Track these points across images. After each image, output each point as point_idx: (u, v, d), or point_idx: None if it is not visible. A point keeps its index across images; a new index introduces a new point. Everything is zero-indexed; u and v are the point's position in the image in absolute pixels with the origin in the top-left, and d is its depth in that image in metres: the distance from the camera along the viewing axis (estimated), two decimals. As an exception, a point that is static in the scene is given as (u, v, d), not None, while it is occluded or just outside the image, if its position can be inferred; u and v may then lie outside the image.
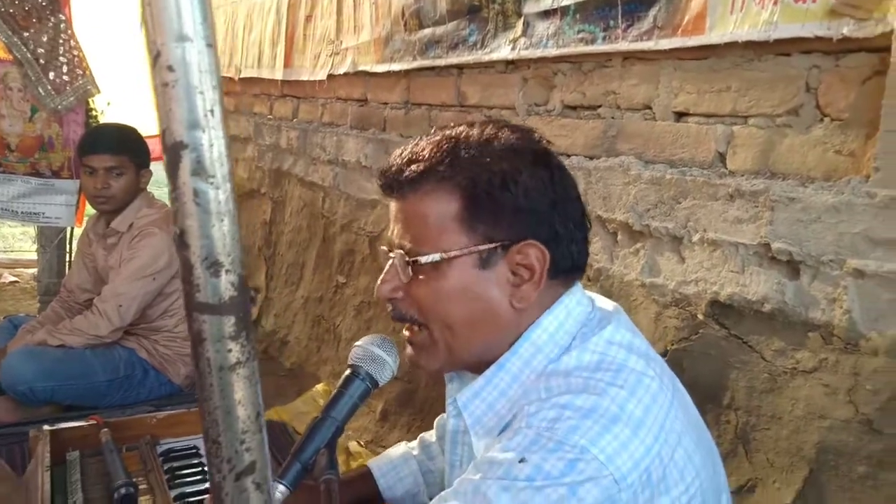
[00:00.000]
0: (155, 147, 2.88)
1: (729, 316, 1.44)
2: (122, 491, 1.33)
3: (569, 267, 0.94)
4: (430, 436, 1.31)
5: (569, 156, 1.83)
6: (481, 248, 0.90)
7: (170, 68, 0.33)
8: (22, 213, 3.49)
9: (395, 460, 1.29)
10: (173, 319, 2.71)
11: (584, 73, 1.84)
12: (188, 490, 1.46)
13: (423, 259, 0.91)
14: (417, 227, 0.92)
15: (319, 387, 2.71)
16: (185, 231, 0.35)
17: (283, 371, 3.20)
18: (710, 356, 1.45)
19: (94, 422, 1.55)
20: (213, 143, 0.35)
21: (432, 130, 0.97)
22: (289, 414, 2.53)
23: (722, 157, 1.47)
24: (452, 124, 0.98)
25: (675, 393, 0.90)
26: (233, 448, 0.37)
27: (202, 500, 1.42)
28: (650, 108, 1.64)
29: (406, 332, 0.98)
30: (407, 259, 0.92)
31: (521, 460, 0.80)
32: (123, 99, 4.92)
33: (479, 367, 0.95)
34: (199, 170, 0.35)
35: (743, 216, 1.39)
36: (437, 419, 1.33)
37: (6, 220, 3.85)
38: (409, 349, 0.98)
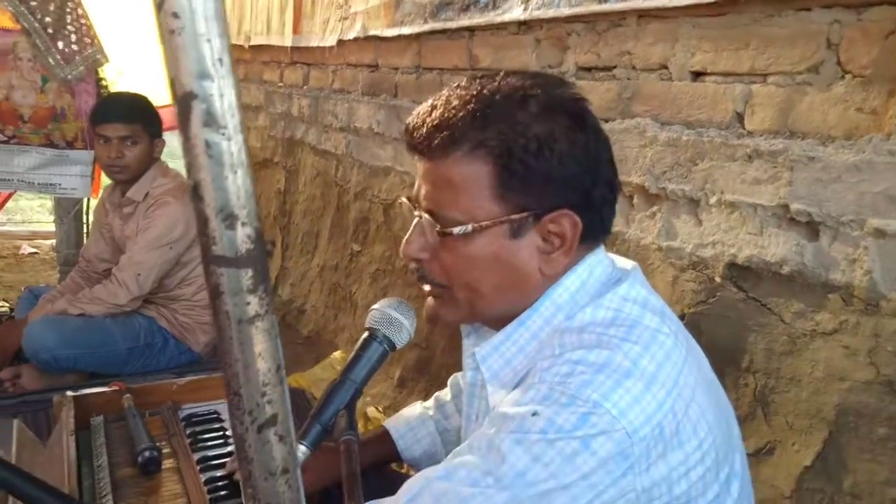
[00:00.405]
0: (167, 117, 2.88)
1: (747, 278, 1.43)
2: (147, 454, 1.35)
3: (598, 230, 0.93)
4: (445, 394, 1.32)
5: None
6: (514, 217, 0.88)
7: (174, 15, 0.32)
8: (38, 184, 3.50)
9: (412, 421, 1.30)
10: (191, 288, 2.74)
11: (599, 33, 1.81)
12: (210, 454, 1.47)
13: (456, 230, 0.89)
14: (447, 193, 0.90)
15: (337, 354, 2.73)
16: (198, 184, 0.35)
17: (300, 339, 3.22)
18: (729, 319, 1.44)
19: (117, 388, 1.57)
20: (223, 93, 0.34)
21: (462, 83, 0.92)
22: (307, 380, 2.55)
23: (740, 117, 1.45)
24: (482, 76, 0.93)
25: (689, 350, 0.90)
26: (254, 401, 0.37)
27: (224, 464, 1.44)
28: (666, 67, 1.62)
29: (426, 287, 0.98)
30: (438, 229, 0.91)
31: (534, 414, 0.80)
32: (134, 69, 4.92)
33: (499, 323, 0.95)
34: (210, 121, 0.34)
35: (761, 177, 1.37)
36: (450, 378, 1.34)
37: (23, 191, 3.87)
38: (429, 300, 0.98)
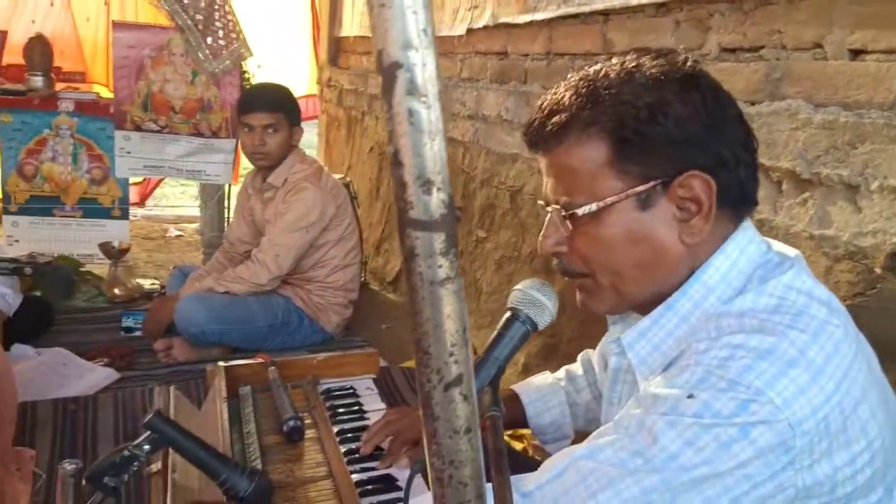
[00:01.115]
0: (303, 107, 3.01)
1: (910, 270, 1.33)
2: (291, 423, 1.42)
3: (738, 195, 0.89)
4: (577, 369, 1.31)
5: (727, 101, 1.73)
6: (638, 189, 0.87)
7: (386, -11, 0.34)
8: (186, 171, 3.76)
9: (542, 389, 1.29)
10: (325, 270, 2.86)
11: (745, 12, 1.72)
12: (346, 427, 1.54)
13: (580, 211, 0.89)
14: (569, 180, 0.90)
15: (462, 338, 2.76)
16: (398, 150, 0.37)
17: (424, 323, 3.29)
18: (890, 311, 1.34)
19: (263, 360, 1.67)
20: (425, 62, 0.36)
21: (569, 76, 0.93)
22: (432, 363, 2.60)
23: (906, 97, 1.34)
24: (589, 65, 0.93)
25: (859, 345, 0.84)
26: (442, 360, 0.38)
27: (360, 436, 1.50)
28: (821, 46, 1.52)
29: (572, 280, 0.97)
30: (563, 213, 0.91)
31: (689, 396, 0.78)
32: (271, 62, 5.16)
33: (648, 307, 0.93)
34: (413, 89, 0.36)
35: (930, 161, 1.27)
36: (580, 354, 1.33)
37: (173, 177, 4.16)
38: (578, 294, 0.98)
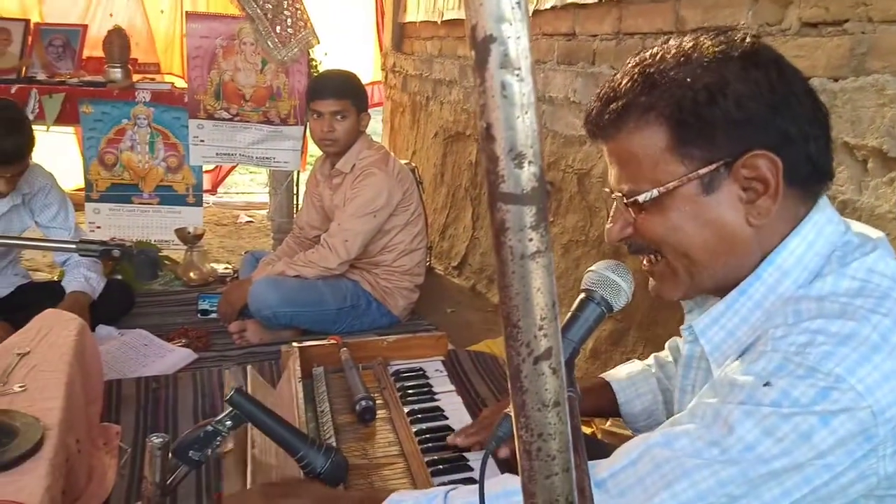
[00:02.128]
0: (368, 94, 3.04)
1: None
2: (364, 403, 1.45)
3: (808, 172, 0.86)
4: (666, 356, 1.29)
5: (808, 78, 1.67)
6: (701, 172, 0.85)
7: (482, -37, 0.34)
8: (256, 158, 3.84)
9: (633, 376, 1.28)
10: (392, 255, 2.89)
11: (828, -16, 1.65)
12: (417, 407, 1.56)
13: (641, 198, 0.88)
14: (631, 167, 0.89)
15: (528, 322, 2.76)
16: (490, 124, 0.37)
17: (490, 307, 3.29)
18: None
19: (335, 342, 1.71)
20: (519, 36, 0.36)
21: (627, 60, 0.92)
22: (499, 347, 2.61)
23: None
24: (645, 48, 0.91)
25: None
26: (531, 333, 0.39)
27: (430, 416, 1.52)
28: (911, 17, 1.45)
29: (645, 264, 0.96)
30: (626, 201, 0.90)
31: (766, 384, 0.76)
32: (336, 50, 5.23)
33: (722, 290, 0.91)
34: (506, 63, 0.36)
35: None
36: (668, 341, 1.31)
37: (243, 164, 4.26)
38: (650, 281, 0.97)
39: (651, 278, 0.97)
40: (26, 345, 1.85)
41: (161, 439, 1.07)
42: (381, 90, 5.60)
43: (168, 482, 1.10)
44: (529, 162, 0.37)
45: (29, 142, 2.42)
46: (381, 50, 5.58)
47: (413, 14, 4.96)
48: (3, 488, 1.35)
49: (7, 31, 3.86)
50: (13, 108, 2.48)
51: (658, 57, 0.88)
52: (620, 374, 1.30)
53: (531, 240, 0.38)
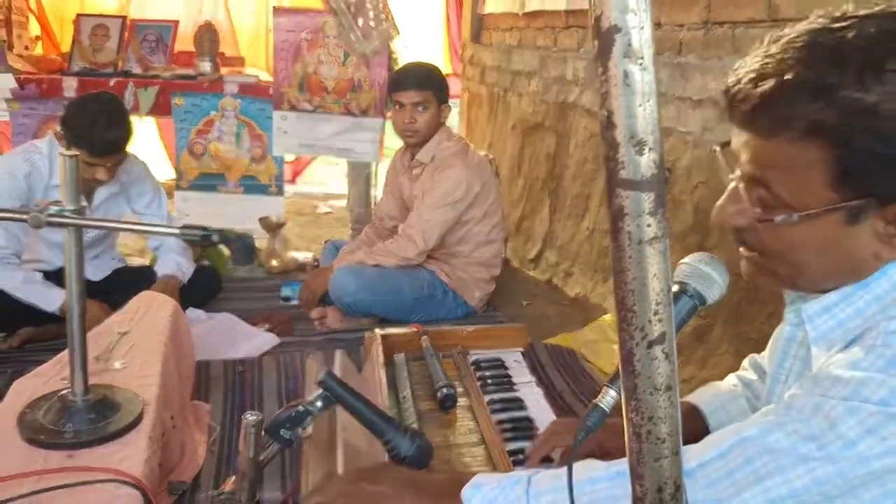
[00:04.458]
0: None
1: None
2: (444, 391, 1.47)
3: None
4: (749, 374, 1.24)
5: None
6: (852, 204, 0.78)
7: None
8: (337, 149, 3.93)
9: (721, 397, 1.21)
10: (468, 246, 2.91)
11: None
12: (496, 397, 1.57)
13: (777, 218, 0.81)
14: (774, 173, 0.82)
15: (607, 317, 2.73)
16: (612, 112, 0.37)
17: (566, 301, 3.28)
18: None
19: (416, 329, 1.73)
20: (642, 25, 0.36)
21: (794, 37, 0.79)
22: (577, 341, 2.60)
23: None
24: (821, 27, 0.77)
25: None
26: (646, 317, 0.39)
27: (511, 406, 1.53)
28: None
29: (744, 251, 0.93)
30: (759, 217, 0.84)
31: (874, 381, 0.74)
32: (416, 41, 5.30)
33: (821, 293, 0.88)
34: (630, 52, 0.36)
35: None
36: (746, 359, 1.26)
37: (324, 155, 4.36)
38: (744, 263, 0.93)
39: (746, 262, 0.93)
40: (125, 324, 1.96)
41: (255, 417, 1.12)
42: (454, 83, 5.65)
43: (261, 458, 1.14)
44: (650, 149, 0.38)
45: (129, 134, 2.55)
46: (449, 43, 5.63)
47: (492, 5, 4.96)
48: (107, 458, 1.44)
49: (105, 28, 4.06)
50: (116, 101, 2.61)
51: (841, 55, 0.74)
52: (707, 395, 1.23)
53: (649, 225, 0.39)
